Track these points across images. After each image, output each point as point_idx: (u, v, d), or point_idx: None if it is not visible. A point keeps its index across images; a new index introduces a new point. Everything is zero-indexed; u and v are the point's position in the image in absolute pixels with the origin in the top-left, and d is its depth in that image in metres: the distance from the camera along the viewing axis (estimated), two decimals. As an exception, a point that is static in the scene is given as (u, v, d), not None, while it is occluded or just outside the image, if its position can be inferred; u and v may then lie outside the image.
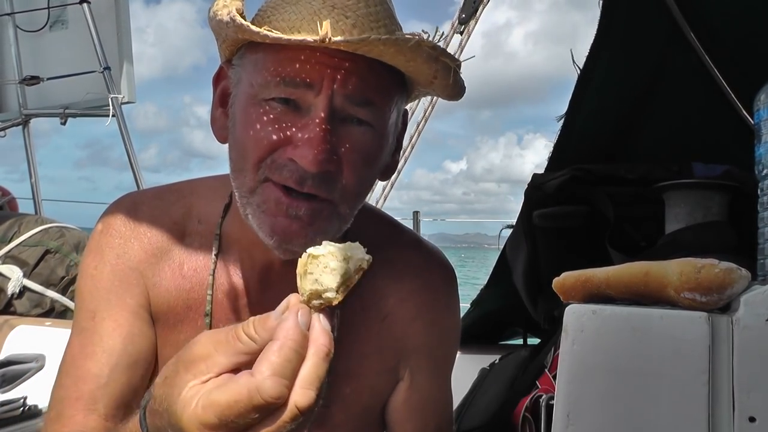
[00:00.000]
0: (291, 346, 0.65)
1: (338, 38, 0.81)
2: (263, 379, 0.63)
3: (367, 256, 0.71)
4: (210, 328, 1.01)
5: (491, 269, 2.42)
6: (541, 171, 2.14)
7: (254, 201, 0.91)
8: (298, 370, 0.65)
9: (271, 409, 0.64)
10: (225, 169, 0.99)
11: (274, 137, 0.87)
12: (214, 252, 1.04)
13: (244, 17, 0.87)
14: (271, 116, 0.88)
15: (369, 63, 0.87)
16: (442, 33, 0.86)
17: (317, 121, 0.86)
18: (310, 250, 0.70)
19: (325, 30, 0.80)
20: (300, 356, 0.65)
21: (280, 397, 0.64)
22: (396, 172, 1.13)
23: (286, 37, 0.82)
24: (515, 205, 2.10)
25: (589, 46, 1.92)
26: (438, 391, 1.16)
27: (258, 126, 0.88)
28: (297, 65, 0.85)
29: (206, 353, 0.67)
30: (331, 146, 0.87)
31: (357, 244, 0.71)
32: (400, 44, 0.84)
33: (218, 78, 1.01)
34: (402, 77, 0.93)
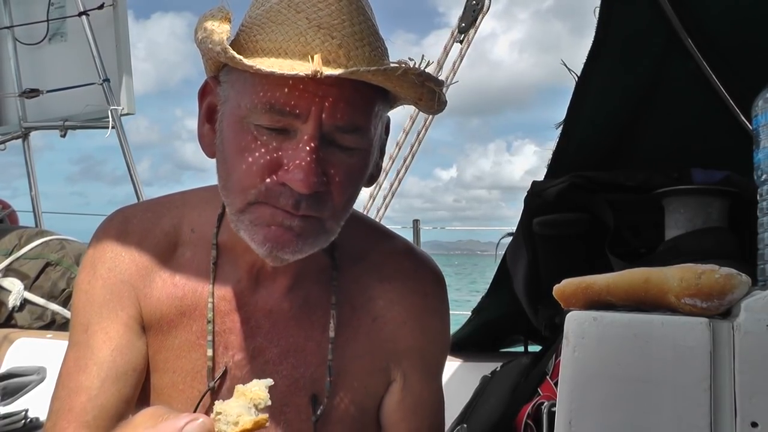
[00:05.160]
0: None
1: (329, 72, 0.84)
2: None
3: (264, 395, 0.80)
4: (213, 334, 1.06)
5: (485, 274, 2.42)
6: (531, 177, 2.14)
7: (245, 218, 0.95)
8: None
9: None
10: (216, 181, 1.02)
11: (264, 164, 0.91)
12: (212, 261, 1.07)
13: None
14: (259, 142, 0.91)
15: (354, 84, 0.90)
16: (428, 61, 0.91)
17: (306, 145, 0.89)
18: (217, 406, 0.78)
19: (317, 64, 0.84)
20: None
21: None
22: (397, 182, 1.17)
23: (279, 72, 0.84)
24: (507, 211, 2.11)
25: (571, 54, 1.94)
26: (430, 393, 1.18)
27: (247, 153, 0.92)
28: (285, 92, 0.88)
29: (140, 421, 0.83)
30: (321, 168, 0.91)
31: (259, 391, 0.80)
32: (388, 74, 0.88)
33: (204, 93, 1.03)
34: (386, 90, 0.96)
